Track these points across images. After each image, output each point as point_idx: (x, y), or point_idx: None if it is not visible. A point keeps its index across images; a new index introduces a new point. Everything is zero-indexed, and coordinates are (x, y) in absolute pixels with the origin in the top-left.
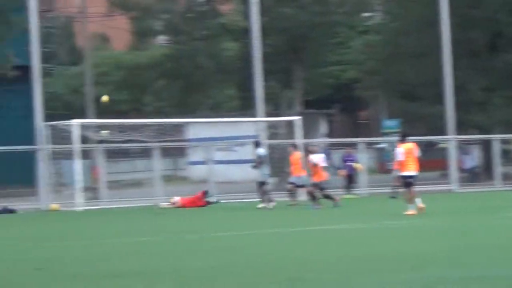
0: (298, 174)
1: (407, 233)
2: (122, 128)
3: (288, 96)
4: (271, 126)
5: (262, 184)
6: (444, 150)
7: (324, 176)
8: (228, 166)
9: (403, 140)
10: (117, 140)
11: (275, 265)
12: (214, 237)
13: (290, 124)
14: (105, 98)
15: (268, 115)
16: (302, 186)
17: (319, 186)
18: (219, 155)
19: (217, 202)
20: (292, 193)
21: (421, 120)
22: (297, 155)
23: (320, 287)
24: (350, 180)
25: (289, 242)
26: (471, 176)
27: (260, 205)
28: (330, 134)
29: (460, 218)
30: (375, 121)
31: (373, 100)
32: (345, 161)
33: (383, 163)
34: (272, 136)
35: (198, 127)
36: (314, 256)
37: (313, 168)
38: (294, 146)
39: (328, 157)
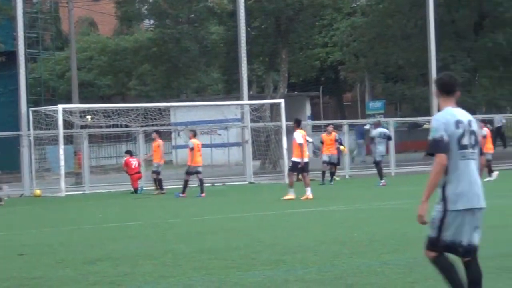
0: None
1: (393, 215)
2: (106, 113)
3: (273, 79)
4: (256, 109)
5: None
6: (427, 131)
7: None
8: (212, 150)
9: (298, 126)
10: (101, 125)
11: (258, 247)
12: (198, 221)
13: (274, 106)
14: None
15: (253, 98)
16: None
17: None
18: (203, 139)
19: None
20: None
21: (405, 101)
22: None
23: (302, 269)
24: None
25: (272, 225)
26: None
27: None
28: (315, 116)
29: None
30: (360, 103)
31: (358, 82)
32: None
33: (367, 144)
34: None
35: (182, 111)
36: (295, 239)
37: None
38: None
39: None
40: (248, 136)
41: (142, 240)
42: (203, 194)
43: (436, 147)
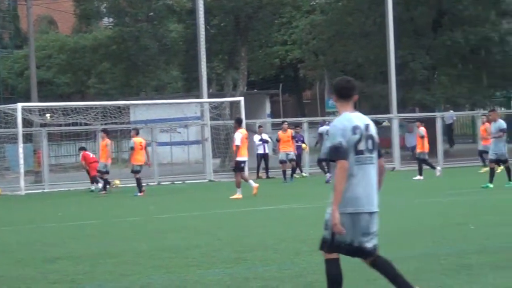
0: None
1: None
2: (65, 111)
3: (233, 77)
4: (215, 107)
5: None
6: (387, 128)
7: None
8: (172, 148)
9: (239, 126)
10: (61, 123)
11: (218, 245)
12: (158, 219)
13: (234, 104)
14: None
15: (213, 96)
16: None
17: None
18: (163, 137)
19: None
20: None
21: (365, 99)
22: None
23: (262, 267)
24: (298, 160)
25: (232, 223)
26: (414, 154)
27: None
28: (274, 114)
29: (396, 198)
30: (320, 100)
31: (318, 79)
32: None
33: None
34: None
35: (142, 109)
36: (255, 237)
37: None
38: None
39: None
40: (208, 134)
41: (102, 238)
42: (141, 193)
43: (336, 153)
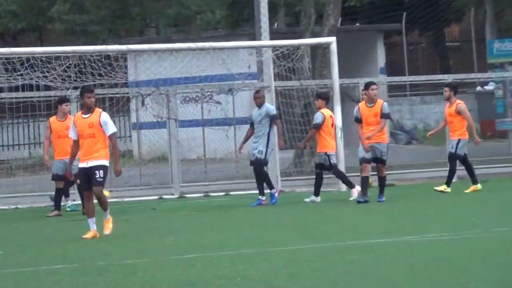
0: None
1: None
2: (10, 64)
3: (316, 1)
4: (284, 55)
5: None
6: None
7: None
8: (204, 131)
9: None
10: (1, 85)
11: None
12: (180, 260)
13: (319, 51)
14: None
15: (280, 36)
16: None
17: None
18: (189, 111)
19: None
20: None
21: None
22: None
23: None
24: None
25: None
26: None
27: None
28: (393, 68)
29: None
30: (476, 43)
31: (472, 5)
32: None
33: (489, 120)
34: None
35: (150, 61)
36: None
37: None
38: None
39: None
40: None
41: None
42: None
43: None
